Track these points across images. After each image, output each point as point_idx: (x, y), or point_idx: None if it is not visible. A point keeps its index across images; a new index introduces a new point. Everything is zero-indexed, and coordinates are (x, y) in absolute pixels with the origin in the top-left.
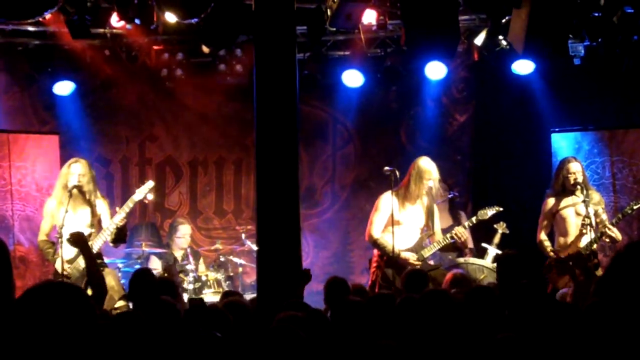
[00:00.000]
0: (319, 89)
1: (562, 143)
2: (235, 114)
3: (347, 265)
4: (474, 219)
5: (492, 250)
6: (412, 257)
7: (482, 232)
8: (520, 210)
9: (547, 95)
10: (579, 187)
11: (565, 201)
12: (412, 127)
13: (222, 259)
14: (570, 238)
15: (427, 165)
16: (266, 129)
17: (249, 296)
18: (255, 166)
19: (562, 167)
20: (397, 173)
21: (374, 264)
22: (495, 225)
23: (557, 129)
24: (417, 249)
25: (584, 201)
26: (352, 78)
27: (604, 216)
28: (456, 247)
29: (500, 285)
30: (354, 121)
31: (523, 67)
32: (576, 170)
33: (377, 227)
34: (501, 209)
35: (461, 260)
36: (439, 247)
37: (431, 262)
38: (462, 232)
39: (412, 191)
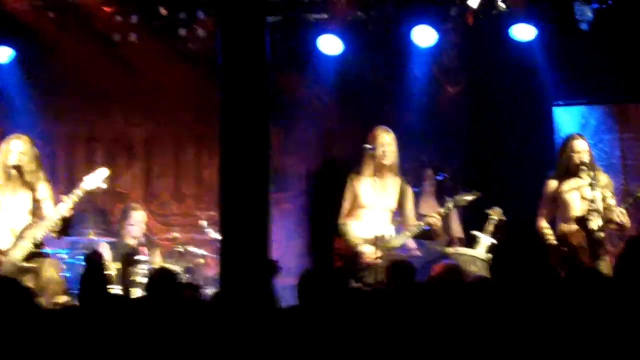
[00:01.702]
0: (292, 57)
1: (566, 118)
2: (197, 84)
3: (321, 256)
4: (450, 204)
5: (485, 240)
6: (368, 252)
7: (475, 218)
8: (518, 194)
9: (550, 64)
10: (584, 167)
11: (569, 184)
12: (397, 101)
13: (180, 249)
14: (574, 224)
15: (377, 130)
16: (232, 102)
17: (210, 290)
18: (219, 144)
19: (566, 145)
20: (376, 154)
21: (336, 250)
22: (488, 211)
23: (560, 103)
24: (387, 236)
25: (590, 184)
26: (330, 44)
27: (612, 201)
28: (429, 237)
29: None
30: (331, 94)
31: (523, 32)
32: (582, 148)
33: (342, 212)
34: (480, 194)
35: (450, 250)
36: (410, 235)
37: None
38: (436, 220)
39: (369, 164)
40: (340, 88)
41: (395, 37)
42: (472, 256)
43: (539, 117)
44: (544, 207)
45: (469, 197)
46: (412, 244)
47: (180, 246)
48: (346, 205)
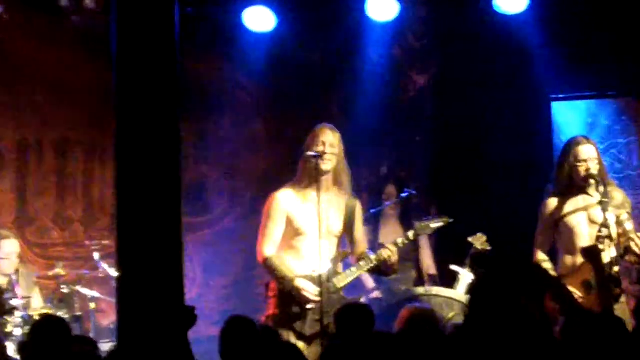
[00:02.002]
0: (209, 36)
1: (569, 116)
2: (86, 74)
3: (252, 299)
4: (410, 234)
5: (467, 276)
6: (309, 289)
7: (452, 249)
8: (507, 216)
9: (546, 45)
10: (593, 181)
11: (574, 203)
12: (348, 92)
13: (65, 289)
14: (580, 257)
15: (320, 128)
16: (130, 96)
17: (105, 346)
18: (115, 152)
19: (569, 151)
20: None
21: (271, 293)
22: (470, 239)
23: (560, 96)
24: (329, 274)
25: (600, 202)
26: (259, 19)
27: (629, 225)
28: (382, 272)
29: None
30: (262, 84)
31: (510, 3)
32: (589, 156)
33: (269, 241)
34: (451, 220)
35: (421, 290)
36: (360, 272)
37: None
38: (391, 253)
39: (310, 175)
40: (273, 77)
41: (345, 9)
42: (449, 298)
43: (533, 115)
44: (541, 234)
45: (436, 224)
46: (369, 282)
47: (65, 286)
48: (272, 231)
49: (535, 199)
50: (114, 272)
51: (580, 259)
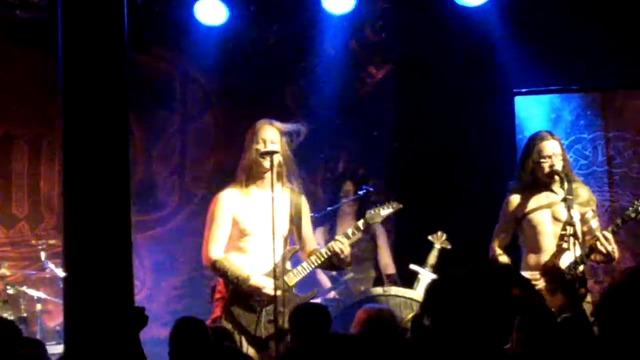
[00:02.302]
0: (160, 29)
1: (532, 111)
2: (31, 66)
3: (204, 299)
4: (360, 223)
5: (427, 275)
6: (268, 285)
7: (412, 248)
8: (469, 212)
9: (509, 38)
10: (557, 178)
11: (537, 200)
12: (303, 87)
13: (10, 291)
14: (545, 255)
15: (261, 124)
16: (78, 91)
17: (52, 348)
18: (62, 147)
19: (532, 147)
20: (281, 158)
21: (217, 295)
22: (430, 238)
23: (523, 90)
24: (279, 272)
25: (564, 199)
26: (211, 12)
27: (595, 222)
28: (336, 266)
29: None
30: (214, 78)
31: None
32: (553, 152)
33: (215, 243)
34: (401, 205)
35: (379, 290)
36: (311, 267)
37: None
38: (342, 246)
39: (253, 173)
40: (225, 70)
41: (300, 1)
42: (408, 298)
43: (496, 109)
44: (501, 230)
45: (386, 211)
46: (325, 281)
47: (10, 287)
48: (218, 233)
49: (498, 195)
50: (61, 273)
51: (544, 257)
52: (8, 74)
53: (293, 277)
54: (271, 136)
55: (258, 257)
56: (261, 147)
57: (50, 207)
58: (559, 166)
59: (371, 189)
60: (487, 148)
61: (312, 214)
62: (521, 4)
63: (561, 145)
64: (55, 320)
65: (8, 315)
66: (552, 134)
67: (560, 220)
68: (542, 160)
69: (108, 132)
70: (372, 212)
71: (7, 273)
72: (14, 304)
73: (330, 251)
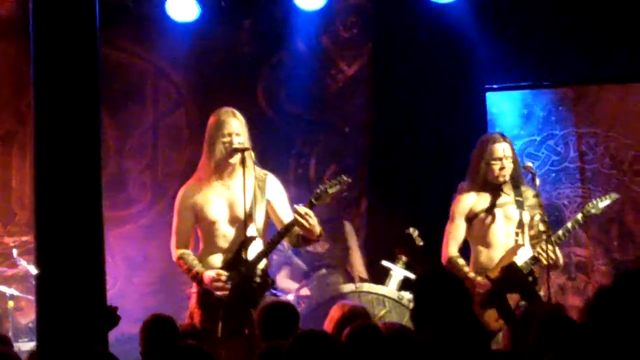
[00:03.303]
0: (131, 25)
1: (504, 107)
2: (3, 62)
3: (175, 297)
4: (313, 198)
5: (398, 272)
6: (219, 277)
7: (384, 244)
8: (441, 208)
9: (481, 33)
10: (507, 181)
11: (489, 200)
12: (275, 83)
13: None
14: (495, 252)
15: (225, 116)
16: (50, 86)
17: (24, 345)
18: (34, 142)
19: (484, 149)
20: (253, 154)
21: (192, 289)
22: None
23: (494, 86)
24: (236, 263)
25: (516, 201)
26: (182, 8)
27: (542, 226)
28: (305, 240)
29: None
30: (186, 74)
31: None
32: (505, 154)
33: (179, 238)
34: (349, 180)
35: (351, 287)
36: (272, 247)
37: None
38: (304, 214)
39: (215, 164)
40: (197, 67)
41: None
42: (380, 294)
43: (467, 105)
44: (454, 230)
45: (333, 188)
46: (285, 279)
47: None
48: (182, 228)
49: None
50: (33, 269)
51: (495, 254)
52: None
53: (250, 266)
54: (237, 129)
55: (224, 249)
56: (227, 140)
57: (22, 203)
58: (509, 169)
59: (344, 177)
60: (459, 144)
61: None
62: (492, 0)
63: (512, 147)
64: (28, 317)
65: None
66: (504, 136)
67: (511, 219)
68: (492, 162)
69: (80, 128)
70: (318, 191)
71: None
72: None
73: (295, 221)
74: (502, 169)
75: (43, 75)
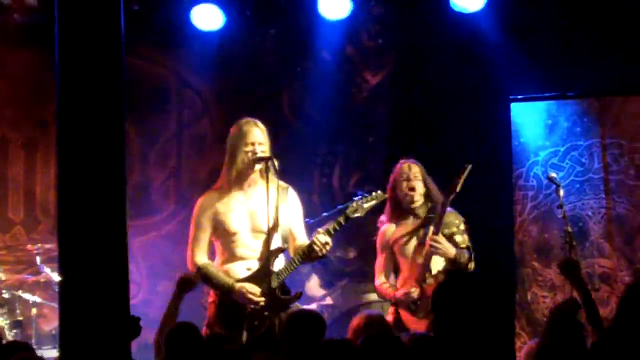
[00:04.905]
0: (157, 35)
1: (528, 118)
2: (28, 70)
3: (199, 305)
4: (341, 219)
5: None
6: (253, 290)
7: None
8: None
9: (506, 44)
10: (420, 200)
11: (405, 226)
12: (299, 92)
13: (6, 294)
14: (412, 276)
15: (247, 125)
16: (74, 95)
17: (47, 352)
18: (57, 151)
19: (396, 175)
20: (276, 162)
21: (210, 298)
22: None
23: (519, 96)
24: (264, 274)
25: (427, 218)
26: (207, 17)
27: (459, 237)
28: (311, 259)
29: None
30: (210, 83)
31: (468, 0)
32: (414, 176)
33: (199, 249)
34: (385, 195)
35: (374, 296)
36: (295, 266)
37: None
38: (323, 242)
39: (237, 173)
40: (221, 76)
41: (295, 6)
42: None
43: (492, 116)
44: (382, 263)
45: (369, 203)
46: (316, 287)
47: (6, 291)
48: (201, 238)
49: (494, 201)
50: (56, 277)
51: (411, 278)
52: (2, 78)
53: (275, 279)
54: (259, 138)
55: (244, 258)
56: (250, 149)
57: (46, 211)
58: (420, 189)
59: (366, 195)
60: (483, 154)
61: (306, 220)
62: (518, 10)
63: (422, 170)
64: (51, 324)
65: (3, 319)
66: (415, 162)
67: (424, 240)
68: (405, 184)
69: (104, 136)
70: (354, 205)
71: (3, 277)
72: (10, 308)
73: (311, 249)
74: (411, 189)
75: (67, 84)
